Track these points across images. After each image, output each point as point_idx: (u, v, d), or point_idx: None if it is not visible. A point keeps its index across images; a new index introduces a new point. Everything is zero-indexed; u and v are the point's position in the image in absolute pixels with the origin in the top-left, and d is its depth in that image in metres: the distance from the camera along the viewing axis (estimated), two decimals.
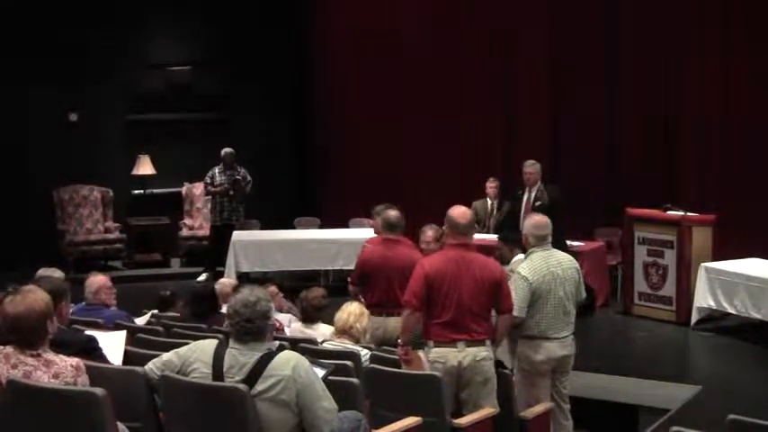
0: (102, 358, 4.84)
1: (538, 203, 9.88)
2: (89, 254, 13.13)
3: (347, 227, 12.54)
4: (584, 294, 6.31)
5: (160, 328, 6.39)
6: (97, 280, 6.95)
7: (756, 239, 10.62)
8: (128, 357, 5.12)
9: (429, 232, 7.31)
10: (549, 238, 6.20)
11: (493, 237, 10.12)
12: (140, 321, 7.20)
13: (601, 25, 12.34)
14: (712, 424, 4.26)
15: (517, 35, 13.02)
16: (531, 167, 10.26)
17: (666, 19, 11.78)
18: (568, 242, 10.04)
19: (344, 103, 14.45)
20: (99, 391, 3.87)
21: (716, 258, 10.01)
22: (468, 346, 5.53)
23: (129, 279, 12.32)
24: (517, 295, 5.87)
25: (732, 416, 4.06)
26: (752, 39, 11.16)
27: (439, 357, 5.52)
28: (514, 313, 5.85)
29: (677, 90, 11.77)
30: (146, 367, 4.22)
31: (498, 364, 5.76)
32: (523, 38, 12.97)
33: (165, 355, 4.20)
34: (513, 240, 6.96)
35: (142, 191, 13.82)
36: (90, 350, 4.75)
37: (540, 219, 6.25)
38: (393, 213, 7.20)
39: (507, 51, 13.14)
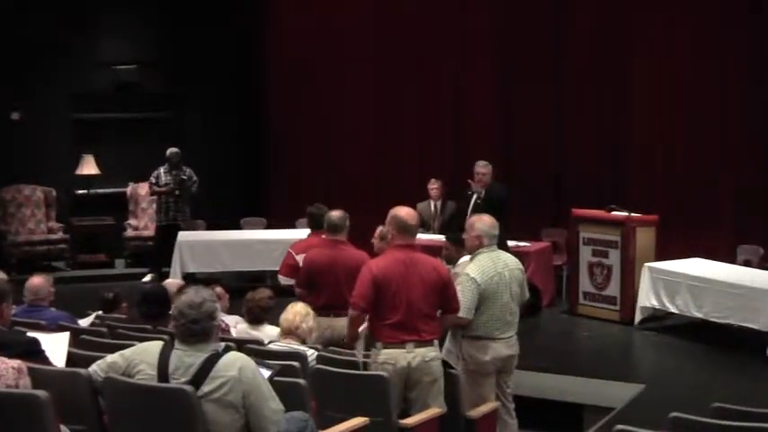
0: (45, 360, 4.77)
1: (478, 201, 9.87)
2: (32, 254, 12.94)
3: (294, 227, 12.48)
4: (527, 295, 6.36)
5: (104, 330, 6.32)
6: (38, 281, 6.85)
7: (698, 240, 10.81)
8: (71, 359, 5.05)
9: (379, 228, 7.31)
10: (497, 239, 6.23)
11: (438, 238, 10.15)
12: (84, 323, 7.11)
13: (549, 25, 12.47)
14: (656, 422, 4.32)
15: (465, 35, 13.09)
16: (484, 168, 10.21)
17: (614, 19, 11.95)
18: (515, 242, 10.11)
19: (291, 104, 14.39)
20: (41, 393, 3.82)
21: (659, 258, 10.15)
22: (418, 347, 5.53)
23: (73, 280, 12.18)
24: (465, 296, 5.88)
25: (674, 413, 4.12)
26: (696, 40, 11.36)
27: (389, 359, 5.52)
28: (462, 314, 5.87)
29: (622, 91, 11.92)
30: (90, 369, 4.17)
31: (445, 365, 5.79)
32: (471, 38, 13.05)
33: (110, 357, 4.16)
34: (461, 241, 6.97)
35: (86, 191, 13.65)
36: (33, 352, 4.67)
37: (491, 219, 6.27)
38: (336, 214, 7.16)
39: (455, 51, 13.20)
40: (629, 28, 11.85)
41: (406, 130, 13.56)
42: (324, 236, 7.30)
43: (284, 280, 7.64)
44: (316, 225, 7.80)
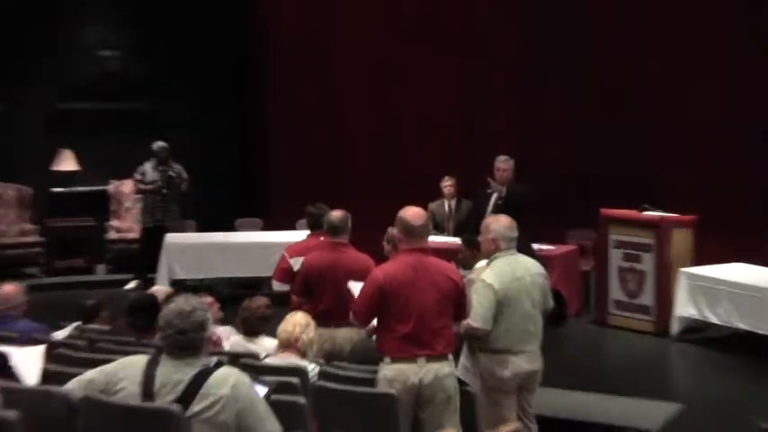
0: (12, 377, 4.75)
1: (499, 202, 9.85)
2: (3, 259, 12.96)
3: (294, 229, 12.47)
4: (551, 303, 6.33)
5: (83, 343, 6.32)
6: (9, 289, 6.85)
7: (740, 243, 10.74)
8: (46, 375, 5.04)
9: (389, 230, 7.29)
10: (515, 242, 6.21)
11: (452, 240, 10.13)
12: (61, 335, 7.11)
13: (572, 9, 12.53)
14: None
15: (478, 20, 13.26)
16: (505, 163, 10.19)
17: (638, 17, 12.12)
18: (537, 245, 10.08)
19: (291, 96, 14.43)
20: (12, 414, 3.81)
21: (697, 263, 10.12)
22: (430, 362, 5.53)
23: (49, 288, 12.21)
24: (482, 305, 5.86)
25: None
26: (730, 36, 11.49)
27: (398, 374, 5.50)
28: (479, 325, 5.85)
29: (653, 80, 11.94)
30: (66, 387, 4.16)
31: (460, 381, 5.77)
32: (484, 23, 13.21)
33: (89, 373, 4.15)
34: (476, 244, 6.95)
35: (64, 189, 13.66)
36: None
37: (509, 220, 6.25)
38: (337, 215, 7.14)
39: (468, 37, 13.34)
40: (659, 16, 11.94)
41: (415, 124, 13.67)
42: (323, 238, 7.29)
43: (278, 285, 7.63)
44: (315, 226, 7.80)
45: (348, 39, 13.95)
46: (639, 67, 12.04)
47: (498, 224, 6.18)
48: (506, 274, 6.00)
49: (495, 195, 9.99)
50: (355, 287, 6.11)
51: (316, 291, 6.99)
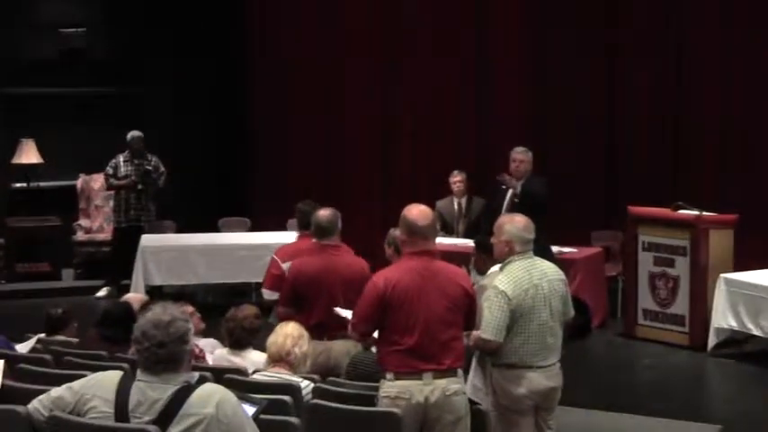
0: None
1: (515, 199, 9.87)
2: None
3: (285, 229, 12.50)
4: (572, 313, 6.35)
5: (48, 357, 6.34)
6: None
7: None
8: (6, 393, 5.07)
9: (390, 232, 7.32)
10: (532, 244, 6.23)
11: (463, 242, 10.15)
12: (23, 348, 7.14)
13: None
14: None
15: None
16: (522, 155, 10.21)
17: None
18: (557, 248, 10.10)
19: (285, 80, 14.45)
20: None
21: (738, 268, 10.11)
22: (437, 378, 5.53)
23: (9, 295, 12.23)
24: (494, 315, 5.88)
25: None
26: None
27: (401, 392, 5.51)
28: (490, 336, 5.87)
29: (686, 61, 12.06)
30: (29, 406, 4.19)
31: (470, 400, 5.79)
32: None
33: (55, 391, 4.17)
34: (489, 247, 6.97)
35: (25, 184, 13.67)
36: None
37: (525, 219, 6.26)
38: (325, 214, 7.15)
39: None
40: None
41: (415, 123, 13.74)
42: (315, 240, 7.32)
43: (269, 294, 7.65)
44: (307, 225, 7.83)
45: (347, 38, 14.16)
46: (680, 36, 12.27)
47: (513, 225, 6.18)
48: (522, 279, 6.01)
49: (510, 192, 10.02)
50: (345, 314, 6.15)
51: (306, 301, 6.99)
